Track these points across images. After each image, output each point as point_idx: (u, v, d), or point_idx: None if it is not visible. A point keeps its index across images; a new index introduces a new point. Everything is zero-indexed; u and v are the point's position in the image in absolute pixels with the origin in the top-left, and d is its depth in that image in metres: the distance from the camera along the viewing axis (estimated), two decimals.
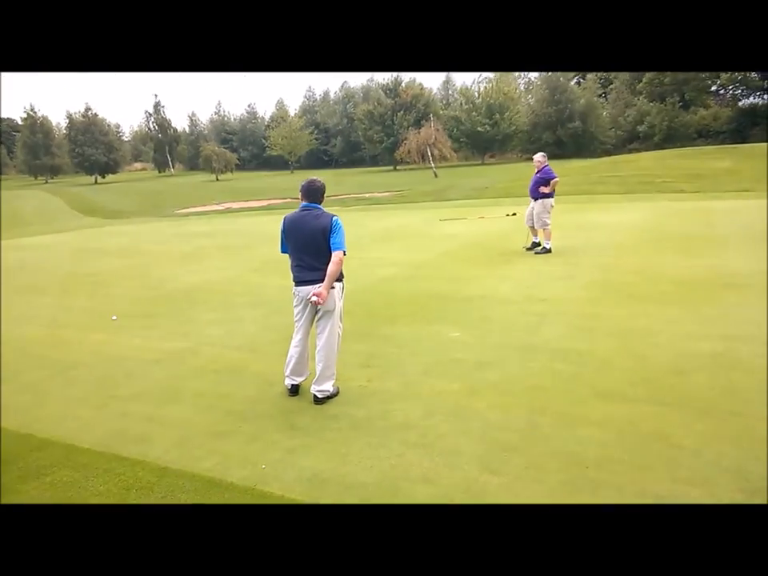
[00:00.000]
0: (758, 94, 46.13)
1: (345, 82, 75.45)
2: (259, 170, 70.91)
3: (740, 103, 47.58)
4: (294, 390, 4.41)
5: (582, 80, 56.04)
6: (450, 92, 68.49)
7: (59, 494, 3.21)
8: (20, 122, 65.07)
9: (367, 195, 25.36)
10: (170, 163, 71.31)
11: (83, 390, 4.84)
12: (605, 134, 50.90)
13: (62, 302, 8.38)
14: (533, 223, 9.63)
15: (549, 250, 9.48)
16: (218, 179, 54.28)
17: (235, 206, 27.80)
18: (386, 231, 14.24)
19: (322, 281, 4.06)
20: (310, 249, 4.08)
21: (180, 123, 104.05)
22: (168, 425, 4.05)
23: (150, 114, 69.86)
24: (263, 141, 66.01)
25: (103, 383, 4.95)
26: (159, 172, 72.33)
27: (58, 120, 79.90)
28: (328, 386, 4.24)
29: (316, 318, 4.24)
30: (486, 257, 9.64)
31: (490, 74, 61.66)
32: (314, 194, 4.21)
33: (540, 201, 9.37)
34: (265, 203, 25.97)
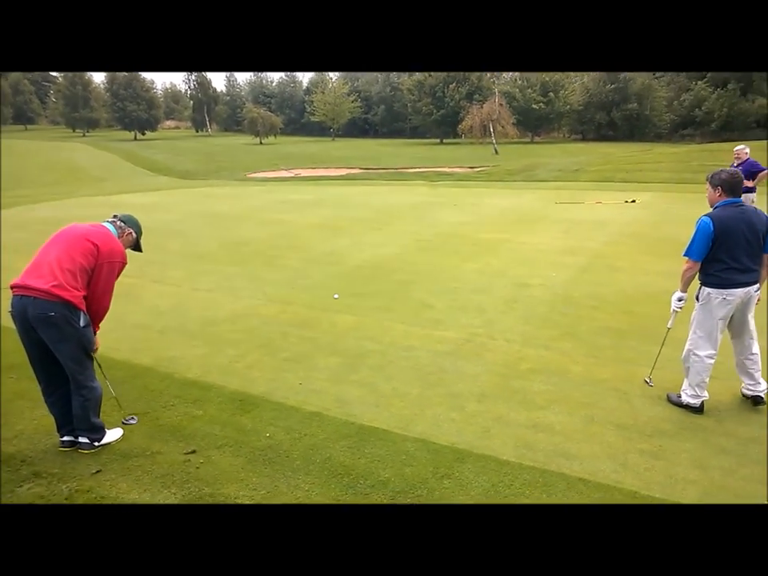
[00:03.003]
0: None
1: None
2: (296, 134, 70.04)
3: None
4: (702, 408, 4.01)
5: None
6: None
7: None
8: (57, 74, 64.56)
9: (448, 170, 24.71)
10: (208, 123, 70.60)
11: (407, 383, 4.51)
12: (660, 118, 49.48)
13: (248, 273, 8.05)
14: None
15: None
16: (261, 143, 53.64)
17: (304, 173, 27.26)
18: (510, 212, 13.74)
19: (753, 283, 3.82)
20: (750, 249, 3.79)
21: (217, 83, 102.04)
22: (570, 436, 3.71)
23: (191, 72, 68.77)
24: (304, 106, 65.10)
25: (423, 377, 4.63)
26: (196, 131, 71.72)
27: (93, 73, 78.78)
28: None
29: (737, 321, 3.90)
30: (672, 249, 9.17)
31: None
32: (738, 187, 3.83)
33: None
34: (344, 172, 25.41)
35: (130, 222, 3.67)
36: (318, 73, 74.30)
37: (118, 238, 3.55)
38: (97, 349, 3.66)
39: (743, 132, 43.05)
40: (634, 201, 15.04)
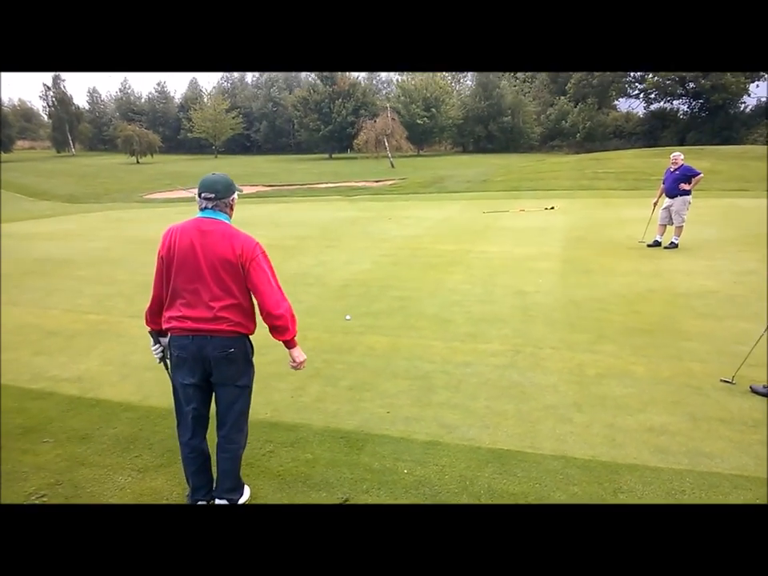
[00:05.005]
0: (668, 99, 50.74)
1: None
2: (173, 153, 66.65)
3: (651, 107, 52.10)
4: None
5: (513, 77, 58.10)
6: (374, 82, 68.48)
7: None
8: None
9: (360, 185, 24.78)
10: (71, 143, 64.90)
11: (495, 400, 4.41)
12: (532, 130, 53.56)
13: None
14: (668, 221, 10.02)
15: (676, 246, 9.96)
16: (138, 162, 50.48)
17: None
18: (449, 223, 14.09)
19: None
20: None
21: (79, 100, 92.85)
22: (690, 435, 3.83)
23: (49, 88, 62.93)
24: (182, 122, 62.23)
25: (505, 392, 4.55)
26: (58, 152, 65.60)
27: None
28: None
29: None
30: (622, 251, 9.90)
31: None
32: None
33: (680, 198, 9.79)
34: (251, 190, 24.52)
35: (224, 191, 2.87)
36: (192, 89, 71.54)
37: (230, 210, 2.94)
38: (303, 360, 3.12)
39: (604, 142, 47.90)
40: (553, 207, 16.08)
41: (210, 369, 2.86)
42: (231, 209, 2.95)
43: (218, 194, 2.85)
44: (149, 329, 3.07)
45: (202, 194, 2.86)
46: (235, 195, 2.95)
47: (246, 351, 2.96)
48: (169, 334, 2.93)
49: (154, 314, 2.99)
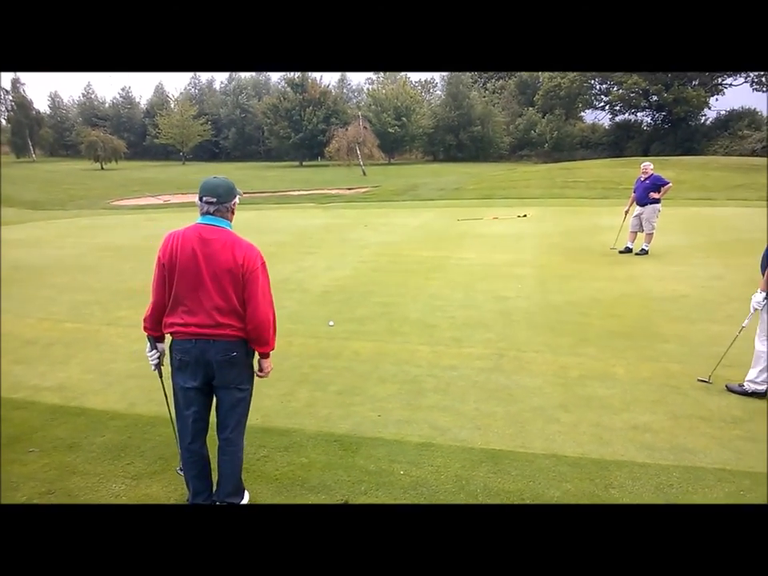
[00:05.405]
0: (632, 111, 52.25)
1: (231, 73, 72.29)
2: (138, 159, 65.49)
3: (616, 118, 53.55)
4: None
5: (483, 87, 58.97)
6: (344, 90, 68.70)
7: None
8: None
9: (333, 192, 24.77)
10: (32, 148, 63.19)
11: (484, 402, 4.50)
12: (502, 139, 54.41)
13: None
14: (639, 228, 10.32)
15: (647, 252, 10.28)
16: (102, 168, 49.45)
17: (174, 199, 25.62)
18: (425, 230, 14.22)
19: None
20: None
21: (40, 105, 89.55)
22: (673, 432, 3.98)
23: (8, 92, 61.33)
24: (149, 128, 61.27)
25: (492, 395, 4.65)
26: (17, 157, 63.79)
27: None
28: None
29: None
30: (597, 257, 10.17)
31: (381, 75, 63.13)
32: None
33: (650, 206, 10.11)
34: None
35: (226, 195, 2.87)
36: (158, 94, 70.53)
37: (231, 215, 2.93)
38: (270, 370, 3.16)
39: (571, 152, 48.94)
40: (525, 215, 16.36)
41: (213, 372, 2.88)
42: (232, 213, 2.96)
43: (220, 198, 2.85)
44: (147, 334, 3.05)
45: (204, 198, 2.86)
46: (236, 199, 2.96)
47: (248, 355, 2.99)
48: (171, 338, 2.93)
49: (156, 321, 2.96)
